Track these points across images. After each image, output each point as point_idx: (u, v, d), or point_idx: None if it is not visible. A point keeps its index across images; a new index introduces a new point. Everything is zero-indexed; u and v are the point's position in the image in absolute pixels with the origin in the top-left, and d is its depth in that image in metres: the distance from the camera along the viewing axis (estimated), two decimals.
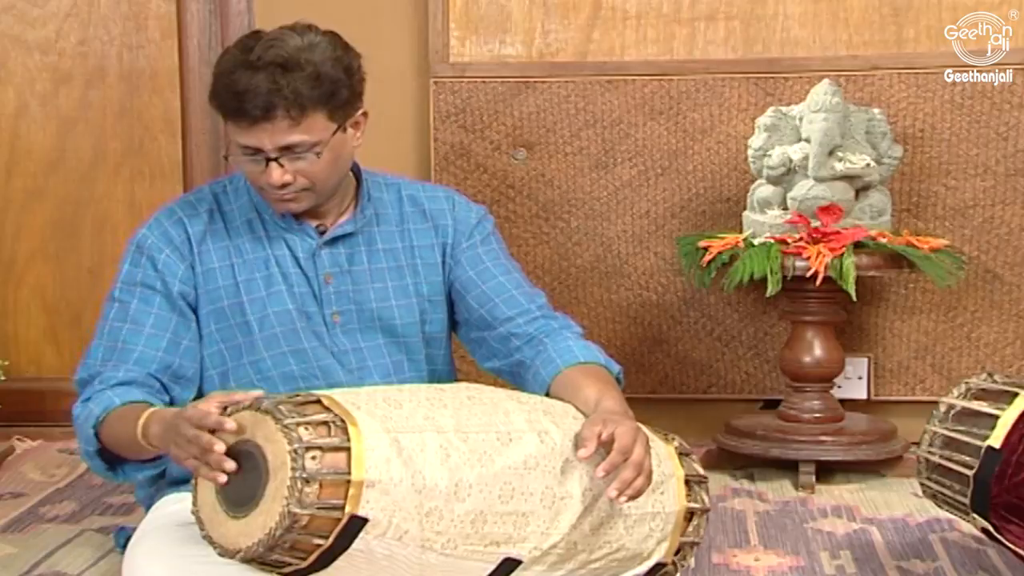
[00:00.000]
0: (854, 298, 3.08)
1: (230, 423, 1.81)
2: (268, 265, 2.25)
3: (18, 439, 3.65)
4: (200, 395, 2.24)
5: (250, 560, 1.81)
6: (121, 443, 2.08)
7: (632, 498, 1.93)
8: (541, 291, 2.38)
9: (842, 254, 3.05)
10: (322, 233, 2.28)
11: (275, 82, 2.07)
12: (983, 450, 2.22)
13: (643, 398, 3.48)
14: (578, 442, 1.96)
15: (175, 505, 2.14)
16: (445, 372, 2.39)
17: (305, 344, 2.25)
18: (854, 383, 3.55)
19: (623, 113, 3.55)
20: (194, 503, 1.88)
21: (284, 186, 2.14)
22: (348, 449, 1.79)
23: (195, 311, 2.24)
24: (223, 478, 1.80)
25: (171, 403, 2.16)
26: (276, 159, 2.12)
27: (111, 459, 2.14)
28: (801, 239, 3.13)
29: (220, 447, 1.80)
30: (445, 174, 3.59)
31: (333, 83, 2.12)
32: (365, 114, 2.24)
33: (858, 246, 3.11)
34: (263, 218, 2.27)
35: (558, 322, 2.31)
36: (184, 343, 2.21)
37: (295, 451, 1.76)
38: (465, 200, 2.42)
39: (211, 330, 2.24)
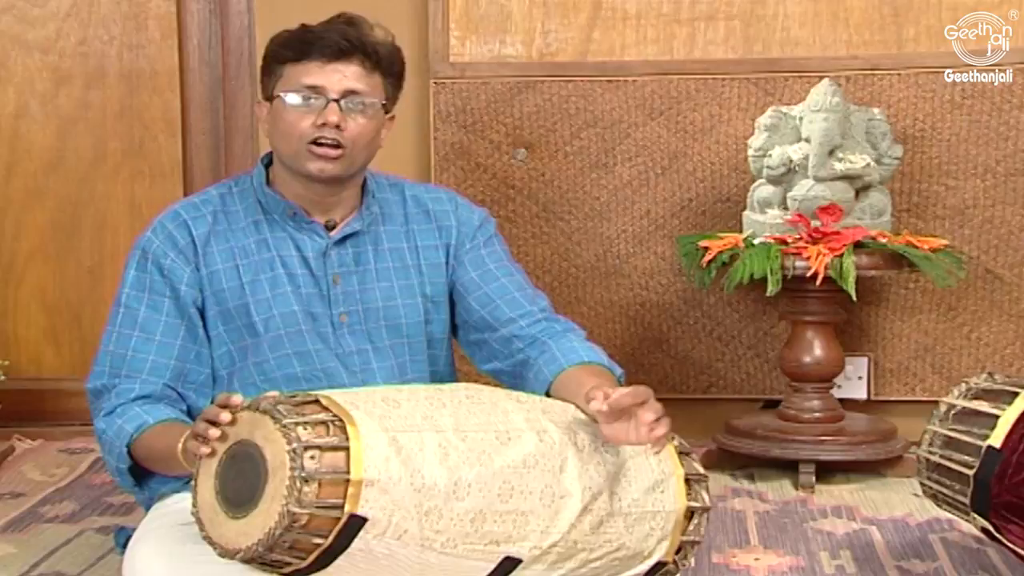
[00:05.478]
0: (854, 298, 3.08)
1: (225, 414, 1.83)
2: (274, 266, 2.25)
3: (18, 439, 3.65)
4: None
5: (250, 560, 1.80)
6: (156, 461, 2.11)
7: (661, 438, 1.92)
8: (544, 294, 2.38)
9: (842, 254, 3.05)
10: (331, 229, 2.28)
11: (356, 32, 2.20)
12: (983, 450, 2.22)
13: None
14: (587, 423, 1.97)
15: (175, 505, 2.14)
16: (447, 374, 2.38)
17: (309, 346, 2.24)
18: (854, 383, 3.55)
19: (623, 113, 3.55)
20: (194, 504, 1.88)
21: (336, 129, 2.17)
22: (347, 448, 1.79)
23: (203, 314, 2.24)
24: (206, 449, 1.82)
25: (188, 412, 2.18)
26: (337, 101, 2.17)
27: (138, 474, 2.17)
28: (801, 239, 3.13)
29: (214, 432, 1.83)
30: (445, 174, 3.59)
31: (397, 64, 2.27)
32: (393, 119, 2.31)
33: (858, 246, 3.11)
34: (270, 219, 2.27)
35: (561, 325, 2.31)
36: (195, 349, 2.21)
37: (294, 451, 1.76)
38: (467, 202, 2.43)
39: (219, 331, 2.24)
